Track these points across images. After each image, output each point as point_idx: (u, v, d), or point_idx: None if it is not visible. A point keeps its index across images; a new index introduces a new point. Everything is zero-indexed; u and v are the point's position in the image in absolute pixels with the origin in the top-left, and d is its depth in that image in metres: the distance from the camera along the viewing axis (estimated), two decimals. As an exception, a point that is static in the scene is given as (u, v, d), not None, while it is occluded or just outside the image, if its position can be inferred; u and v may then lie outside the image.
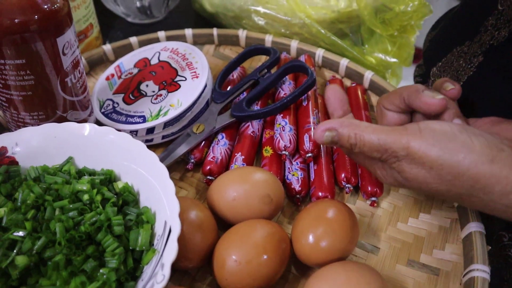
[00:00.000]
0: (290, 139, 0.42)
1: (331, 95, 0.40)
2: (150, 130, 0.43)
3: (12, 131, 0.41)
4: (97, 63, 0.53)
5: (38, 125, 0.38)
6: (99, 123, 0.44)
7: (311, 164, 0.43)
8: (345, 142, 0.33)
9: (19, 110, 0.38)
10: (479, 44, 0.41)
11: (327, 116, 0.47)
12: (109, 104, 0.45)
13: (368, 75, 0.50)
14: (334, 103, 0.39)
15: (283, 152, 0.41)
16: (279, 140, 0.42)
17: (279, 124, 0.43)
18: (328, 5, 0.54)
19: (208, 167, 0.41)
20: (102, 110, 0.45)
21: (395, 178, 0.33)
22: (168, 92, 0.45)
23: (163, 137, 0.44)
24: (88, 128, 0.37)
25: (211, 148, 0.43)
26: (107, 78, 0.49)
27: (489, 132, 0.31)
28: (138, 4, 0.59)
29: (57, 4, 0.34)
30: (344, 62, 0.52)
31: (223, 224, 0.38)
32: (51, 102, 0.38)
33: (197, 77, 0.45)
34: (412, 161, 0.31)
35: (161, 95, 0.45)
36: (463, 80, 0.42)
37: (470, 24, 0.43)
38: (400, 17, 0.53)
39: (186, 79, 0.45)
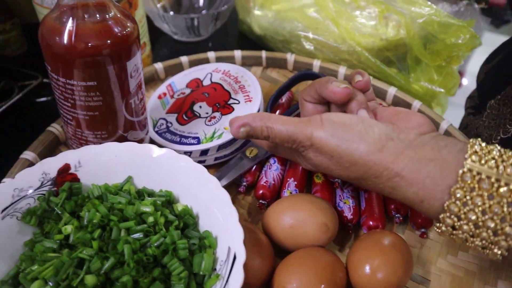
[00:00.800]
0: (342, 166, 0.42)
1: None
2: (204, 152, 0.43)
3: (73, 147, 0.42)
4: (148, 81, 0.54)
5: (100, 143, 0.38)
6: (153, 142, 0.45)
7: (361, 192, 0.43)
8: (259, 134, 0.36)
9: (83, 129, 0.39)
10: None
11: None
12: (163, 124, 0.46)
13: (416, 104, 0.51)
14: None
15: (336, 180, 0.42)
16: (332, 168, 0.42)
17: (332, 151, 0.43)
18: (377, 33, 0.54)
19: (261, 191, 0.42)
20: (156, 129, 0.46)
21: (308, 164, 0.37)
22: (222, 114, 0.45)
23: (216, 158, 0.45)
24: (148, 148, 0.38)
25: (263, 172, 0.43)
26: (159, 97, 0.50)
27: (389, 122, 0.36)
28: (187, 23, 0.60)
29: (128, 29, 0.35)
30: (392, 91, 0.52)
31: (277, 249, 0.38)
32: (115, 122, 0.39)
33: (250, 100, 0.46)
34: (315, 150, 0.34)
35: (214, 117, 0.45)
36: None
37: None
38: (449, 48, 0.53)
39: (239, 102, 0.46)
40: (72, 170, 0.38)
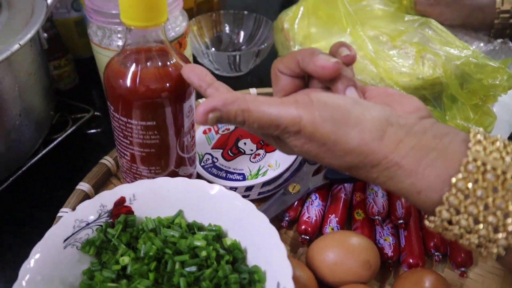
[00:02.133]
0: (383, 205, 0.43)
1: (187, 72, 0.35)
2: (249, 188, 0.45)
3: (126, 180, 0.44)
4: (193, 116, 0.56)
5: (153, 178, 0.41)
6: (199, 176, 0.47)
7: (401, 230, 0.44)
8: (233, 120, 0.30)
9: (138, 164, 0.41)
10: None
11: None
12: (209, 159, 0.49)
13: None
14: (194, 79, 0.35)
15: (376, 217, 0.43)
16: (372, 205, 0.43)
17: (372, 189, 0.45)
18: (413, 72, 0.56)
19: (304, 227, 0.43)
20: (202, 164, 0.48)
21: (291, 150, 0.33)
22: (266, 152, 0.47)
23: (259, 193, 0.46)
24: (198, 184, 0.40)
25: (305, 207, 0.45)
26: (205, 132, 0.52)
27: (382, 103, 0.31)
28: (230, 60, 0.63)
29: (185, 73, 0.38)
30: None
31: (321, 284, 0.39)
32: (168, 158, 0.41)
33: (293, 138, 0.48)
34: (304, 136, 0.29)
35: (259, 154, 0.47)
36: None
37: None
38: (486, 88, 0.54)
39: (283, 139, 0.48)
40: (127, 203, 0.40)
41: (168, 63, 0.37)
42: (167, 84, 0.37)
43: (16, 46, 0.39)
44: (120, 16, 0.34)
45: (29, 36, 0.41)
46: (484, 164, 0.26)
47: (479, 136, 0.27)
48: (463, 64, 0.54)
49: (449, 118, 0.58)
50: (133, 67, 0.36)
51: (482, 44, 0.66)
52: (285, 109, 0.29)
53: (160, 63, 0.37)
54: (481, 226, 0.27)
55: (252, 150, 0.48)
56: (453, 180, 0.26)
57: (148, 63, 0.36)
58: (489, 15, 0.63)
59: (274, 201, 0.45)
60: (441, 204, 0.27)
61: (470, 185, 0.26)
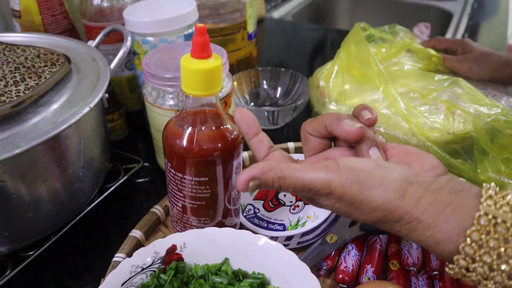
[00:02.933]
0: (417, 256, 0.45)
1: (239, 118, 0.39)
2: (289, 238, 0.48)
3: (176, 228, 0.48)
4: (235, 168, 0.60)
5: (202, 227, 0.44)
6: (242, 226, 0.50)
7: (436, 281, 0.46)
8: (270, 186, 0.34)
9: (189, 214, 0.45)
10: None
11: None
12: (251, 209, 0.52)
13: (485, 196, 0.53)
14: (243, 126, 0.39)
15: (411, 268, 0.45)
16: (407, 256, 0.45)
17: (406, 241, 0.47)
18: (444, 127, 0.59)
19: (341, 276, 0.45)
20: (244, 214, 0.52)
21: (323, 207, 0.36)
22: (305, 204, 0.51)
23: (298, 243, 0.49)
24: (244, 234, 0.43)
25: (342, 257, 0.47)
26: (246, 183, 0.56)
27: (402, 162, 0.35)
28: (268, 114, 0.67)
29: (235, 133, 0.42)
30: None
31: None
32: (217, 210, 0.45)
33: (330, 191, 0.51)
34: (334, 197, 0.33)
35: (298, 206, 0.51)
36: None
37: None
38: (517, 142, 0.56)
39: (320, 192, 0.51)
40: (178, 251, 0.44)
41: (220, 125, 0.41)
42: (219, 145, 0.41)
43: (87, 109, 0.45)
44: (181, 85, 0.39)
45: (97, 99, 0.46)
46: (494, 217, 0.29)
47: (490, 192, 0.31)
48: (493, 120, 0.57)
49: (480, 171, 0.60)
50: (189, 129, 0.41)
51: (511, 99, 0.69)
52: (316, 174, 0.33)
53: (213, 126, 0.41)
54: (495, 273, 0.30)
55: (291, 201, 0.51)
56: (468, 232, 0.30)
57: (202, 125, 0.41)
58: None
59: (312, 251, 0.48)
60: (458, 254, 0.30)
61: (483, 236, 0.29)
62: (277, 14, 1.34)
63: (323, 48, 1.13)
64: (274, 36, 1.17)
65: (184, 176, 0.42)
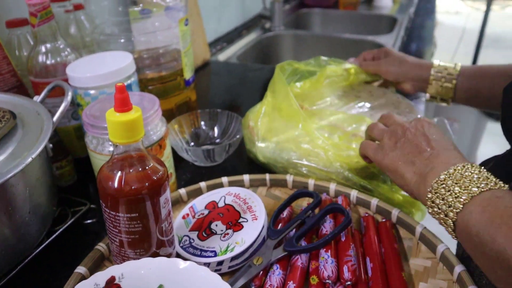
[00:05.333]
0: (332, 270, 0.52)
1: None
2: (220, 263, 0.54)
3: (117, 262, 0.53)
4: (174, 204, 0.66)
5: (138, 258, 0.50)
6: (179, 255, 0.56)
7: (350, 290, 0.52)
8: None
9: (126, 248, 0.50)
10: None
11: (362, 248, 0.57)
12: (186, 240, 0.58)
13: (395, 212, 0.61)
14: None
15: (327, 281, 0.51)
16: (323, 271, 0.52)
17: (323, 257, 0.53)
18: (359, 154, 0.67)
19: (266, 293, 0.51)
20: (181, 245, 0.57)
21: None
22: (234, 231, 0.57)
23: (229, 267, 0.55)
24: (175, 262, 0.49)
25: (268, 277, 0.53)
26: (183, 217, 0.62)
27: None
28: (205, 153, 0.74)
29: (160, 173, 0.48)
30: (374, 202, 0.63)
31: None
32: (150, 242, 0.50)
33: (256, 219, 0.57)
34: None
35: (228, 234, 0.57)
36: None
37: None
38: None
39: (247, 220, 0.58)
40: (116, 281, 0.49)
41: (146, 167, 0.47)
42: (146, 184, 0.47)
43: (29, 160, 0.50)
44: (109, 136, 0.45)
45: (39, 150, 0.52)
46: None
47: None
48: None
49: (395, 190, 0.68)
50: (119, 172, 0.46)
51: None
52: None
53: (139, 167, 0.47)
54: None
55: (222, 230, 0.57)
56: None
57: (130, 168, 0.47)
58: (426, 70, 0.80)
59: (241, 273, 0.53)
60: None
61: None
62: (222, 56, 1.43)
63: (266, 87, 1.21)
64: (219, 78, 1.25)
65: (117, 214, 0.47)
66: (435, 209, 0.47)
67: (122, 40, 0.78)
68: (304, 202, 0.66)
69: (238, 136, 0.76)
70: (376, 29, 1.98)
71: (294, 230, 0.58)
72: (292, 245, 0.55)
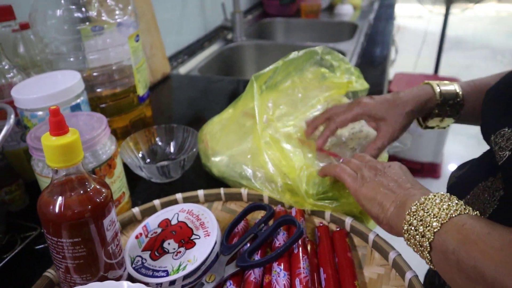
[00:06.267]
0: (284, 284, 0.52)
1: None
2: (172, 282, 0.53)
3: (64, 289, 0.52)
4: (128, 223, 0.65)
5: (85, 283, 0.48)
6: (131, 276, 0.55)
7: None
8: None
9: (72, 274, 0.49)
10: (501, 180, 0.51)
11: (316, 259, 0.57)
12: (139, 260, 0.57)
13: (348, 220, 0.61)
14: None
15: (280, 293, 0.51)
16: (275, 285, 0.51)
17: (275, 271, 0.53)
18: (312, 163, 0.67)
19: (219, 311, 0.51)
20: (133, 266, 0.56)
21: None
22: (186, 249, 0.56)
23: (182, 286, 0.54)
24: (125, 285, 0.48)
25: (221, 293, 0.53)
26: (136, 237, 0.60)
27: None
28: (159, 170, 0.73)
29: (104, 194, 0.47)
30: (328, 211, 0.63)
31: None
32: (97, 266, 0.49)
33: (208, 235, 0.57)
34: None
35: (180, 252, 0.56)
36: (489, 213, 0.51)
37: (494, 163, 0.51)
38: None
39: (200, 237, 0.57)
40: (63, 308, 0.47)
41: (88, 189, 0.46)
42: (89, 207, 0.46)
43: (-36, 188, 0.48)
44: (46, 161, 0.44)
45: (-25, 178, 0.50)
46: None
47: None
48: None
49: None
50: (59, 197, 0.45)
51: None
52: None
53: (81, 190, 0.46)
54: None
55: (174, 248, 0.57)
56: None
57: (71, 192, 0.46)
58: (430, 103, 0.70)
59: (194, 291, 0.53)
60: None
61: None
62: (183, 69, 1.43)
63: (228, 99, 1.21)
64: (180, 92, 1.25)
65: (59, 239, 0.46)
66: (411, 232, 0.47)
67: (72, 59, 0.77)
68: (260, 214, 0.66)
69: (194, 150, 0.76)
70: (337, 36, 2.01)
71: (248, 244, 0.58)
72: (244, 260, 0.54)
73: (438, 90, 0.68)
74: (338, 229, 0.62)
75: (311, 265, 0.56)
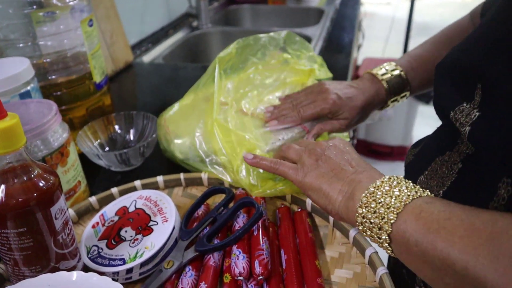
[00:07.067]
0: (243, 266, 0.51)
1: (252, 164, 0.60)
2: (129, 270, 0.52)
3: (13, 283, 0.49)
4: (85, 213, 0.63)
5: (36, 276, 0.46)
6: (86, 267, 0.53)
7: (264, 285, 0.51)
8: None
9: (20, 266, 0.47)
10: (458, 154, 0.50)
11: (277, 241, 0.57)
12: (95, 250, 0.55)
13: (309, 201, 0.61)
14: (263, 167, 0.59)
15: (239, 278, 0.50)
16: (234, 268, 0.50)
17: (234, 253, 0.52)
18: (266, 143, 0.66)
19: (178, 297, 0.49)
20: (89, 256, 0.54)
21: None
22: (143, 236, 0.54)
23: (140, 274, 0.53)
24: (75, 275, 0.46)
25: (180, 280, 0.51)
26: (93, 226, 0.59)
27: None
28: (118, 158, 0.71)
29: (51, 181, 0.45)
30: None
31: None
32: (46, 257, 0.47)
33: (166, 221, 0.55)
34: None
35: (137, 239, 0.54)
36: (447, 185, 0.50)
37: (449, 138, 0.52)
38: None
39: (157, 223, 0.55)
40: (11, 303, 0.45)
41: (32, 176, 0.44)
42: (34, 194, 0.44)
43: None
44: (-17, 146, 0.41)
45: None
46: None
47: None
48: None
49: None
50: (2, 186, 0.43)
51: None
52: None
53: (25, 178, 0.44)
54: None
55: (131, 236, 0.55)
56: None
57: (14, 180, 0.43)
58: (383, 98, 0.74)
59: (151, 278, 0.51)
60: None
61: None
62: (147, 58, 1.39)
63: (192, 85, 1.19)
64: (144, 80, 1.22)
65: (3, 230, 0.44)
66: (367, 224, 0.44)
67: (21, 45, 0.73)
68: (221, 198, 0.65)
69: (154, 136, 0.74)
70: (304, 21, 2.00)
71: (207, 228, 0.57)
72: (203, 244, 0.53)
73: (385, 80, 0.74)
74: (299, 209, 0.61)
75: (271, 247, 0.55)
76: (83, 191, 0.66)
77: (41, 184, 0.44)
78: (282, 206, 0.62)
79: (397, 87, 0.74)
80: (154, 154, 0.78)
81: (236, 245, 0.53)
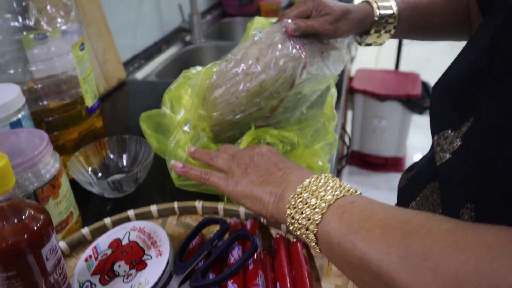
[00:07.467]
0: (240, 301, 0.50)
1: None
2: (122, 308, 0.50)
3: (4, 323, 0.48)
4: (77, 245, 0.62)
5: (26, 318, 0.45)
6: (79, 304, 0.52)
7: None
8: None
9: (10, 308, 0.45)
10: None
11: (273, 274, 0.56)
12: (88, 285, 0.53)
13: (306, 231, 0.60)
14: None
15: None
16: (230, 304, 0.50)
17: (231, 290, 0.51)
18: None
19: (172, 335, 0.48)
20: (82, 292, 0.53)
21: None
22: (137, 271, 0.53)
23: (134, 311, 0.52)
24: (68, 316, 0.45)
25: (174, 316, 0.50)
26: (86, 260, 0.57)
27: None
28: (111, 185, 0.70)
29: (41, 221, 0.44)
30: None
31: None
32: (38, 298, 0.46)
33: (160, 255, 0.54)
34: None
35: (131, 274, 0.53)
36: (438, 213, 0.50)
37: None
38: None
39: (151, 257, 0.54)
40: None
41: (22, 217, 0.43)
42: (25, 236, 0.43)
43: None
44: (-29, 190, 0.40)
45: None
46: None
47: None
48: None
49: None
50: (-10, 229, 0.42)
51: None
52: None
53: (15, 219, 0.43)
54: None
55: (125, 271, 0.54)
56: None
57: (3, 222, 0.42)
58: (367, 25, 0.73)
59: (145, 316, 0.50)
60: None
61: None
62: (140, 74, 1.39)
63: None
64: (137, 99, 1.21)
65: (-7, 274, 0.43)
66: (296, 225, 0.46)
67: (12, 71, 0.72)
68: (216, 228, 0.64)
69: (147, 161, 0.73)
70: (298, 35, 2.00)
71: (202, 261, 0.56)
72: (197, 279, 0.52)
73: (376, 6, 0.71)
74: (294, 240, 0.60)
75: (267, 280, 0.54)
76: (75, 222, 0.64)
77: (32, 224, 0.43)
78: (278, 236, 0.61)
79: (385, 16, 0.72)
80: (148, 178, 0.77)
81: (232, 280, 0.52)
